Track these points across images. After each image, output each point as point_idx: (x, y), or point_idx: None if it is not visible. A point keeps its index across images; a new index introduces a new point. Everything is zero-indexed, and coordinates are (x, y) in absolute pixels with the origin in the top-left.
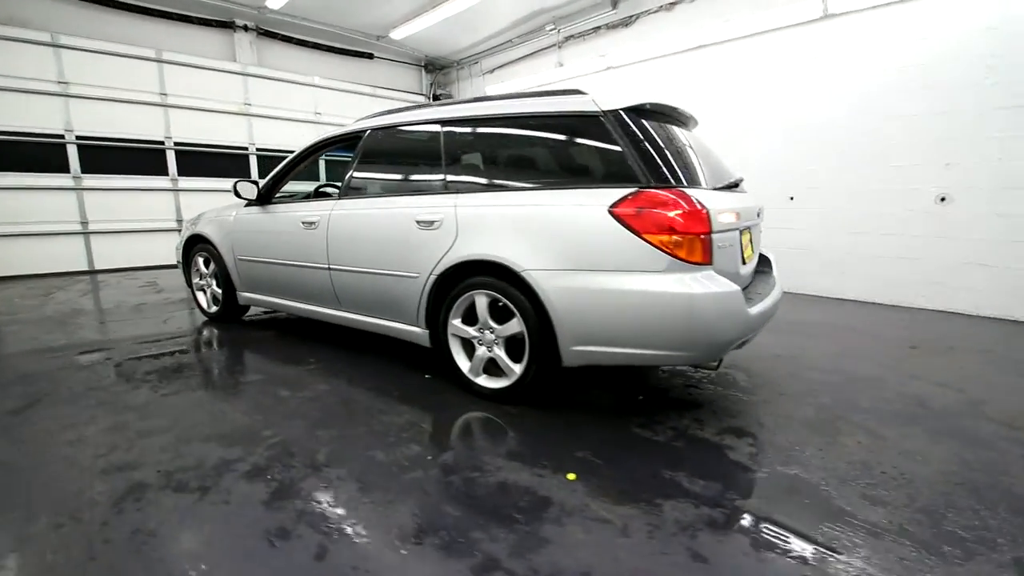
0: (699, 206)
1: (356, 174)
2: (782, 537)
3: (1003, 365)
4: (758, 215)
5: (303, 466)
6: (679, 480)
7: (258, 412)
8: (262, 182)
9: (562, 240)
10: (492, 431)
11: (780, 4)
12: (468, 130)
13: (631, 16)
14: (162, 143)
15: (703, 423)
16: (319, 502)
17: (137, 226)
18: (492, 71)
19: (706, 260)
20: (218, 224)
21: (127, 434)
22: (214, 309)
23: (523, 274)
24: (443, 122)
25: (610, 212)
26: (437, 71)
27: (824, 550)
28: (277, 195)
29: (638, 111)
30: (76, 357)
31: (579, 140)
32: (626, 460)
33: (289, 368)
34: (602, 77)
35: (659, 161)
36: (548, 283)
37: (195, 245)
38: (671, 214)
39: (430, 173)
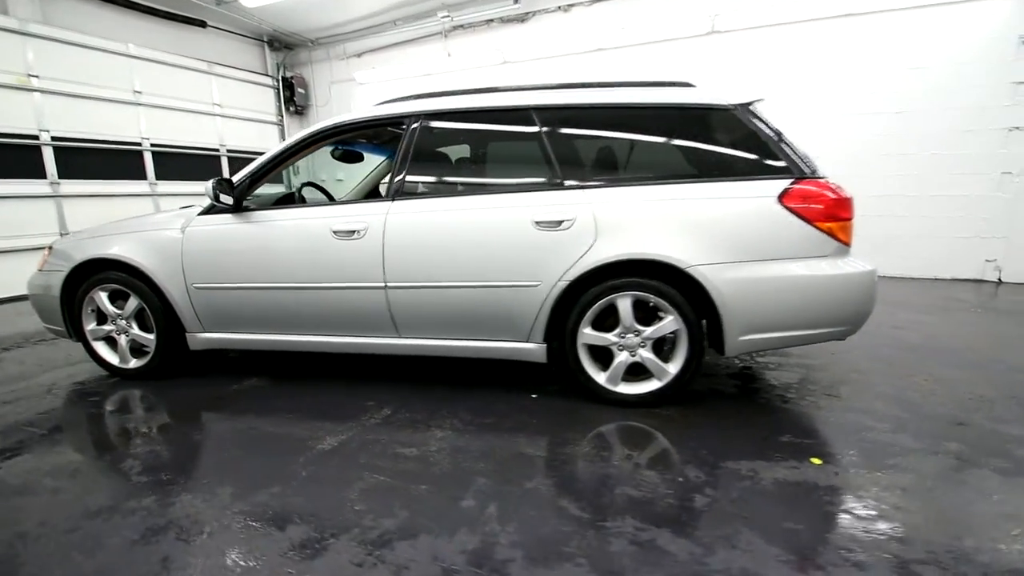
0: (847, 193)
1: (413, 170)
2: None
3: None
4: None
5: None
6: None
7: (376, 496)
8: (235, 178)
9: (729, 232)
10: (682, 438)
11: (673, 18)
12: (578, 119)
13: (528, 13)
14: None
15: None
16: None
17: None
18: (360, 55)
19: (850, 243)
20: (151, 244)
21: None
22: (135, 363)
23: (689, 270)
24: (537, 109)
25: (780, 202)
26: (285, 49)
27: None
28: (247, 200)
29: (753, 105)
30: None
31: (716, 132)
32: (774, 427)
33: (356, 424)
34: (498, 72)
35: (799, 152)
36: (718, 277)
37: (87, 278)
38: (832, 202)
39: (534, 167)
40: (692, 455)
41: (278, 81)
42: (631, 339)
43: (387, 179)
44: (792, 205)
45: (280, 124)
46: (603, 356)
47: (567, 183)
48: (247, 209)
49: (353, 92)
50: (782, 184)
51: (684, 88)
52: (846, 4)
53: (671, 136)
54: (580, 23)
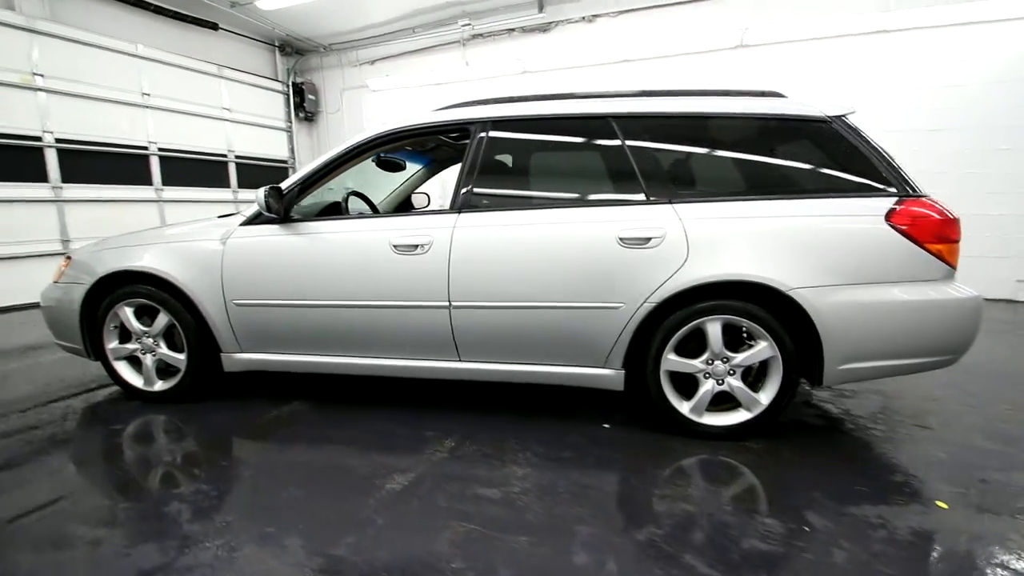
0: (954, 213)
1: (481, 180)
2: None
3: None
4: None
5: None
6: None
7: (471, 549)
8: (283, 186)
9: (832, 253)
10: (787, 478)
11: (701, 30)
12: (663, 129)
13: (551, 22)
14: None
15: None
16: None
17: None
18: (373, 62)
19: (956, 266)
20: (187, 256)
21: None
22: (161, 385)
23: (791, 293)
24: (617, 118)
25: (888, 221)
26: (296, 55)
27: None
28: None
29: (846, 117)
30: None
31: (813, 146)
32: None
33: (421, 458)
34: (517, 81)
35: (901, 169)
36: (821, 300)
37: (111, 291)
38: (942, 222)
39: (615, 179)
40: (806, 498)
41: (288, 87)
42: (719, 366)
43: (416, 190)
44: (900, 225)
45: (289, 131)
46: (683, 384)
47: (652, 197)
48: (295, 220)
49: (365, 99)
50: (888, 202)
51: (775, 98)
52: (880, 21)
53: (765, 149)
54: (605, 34)
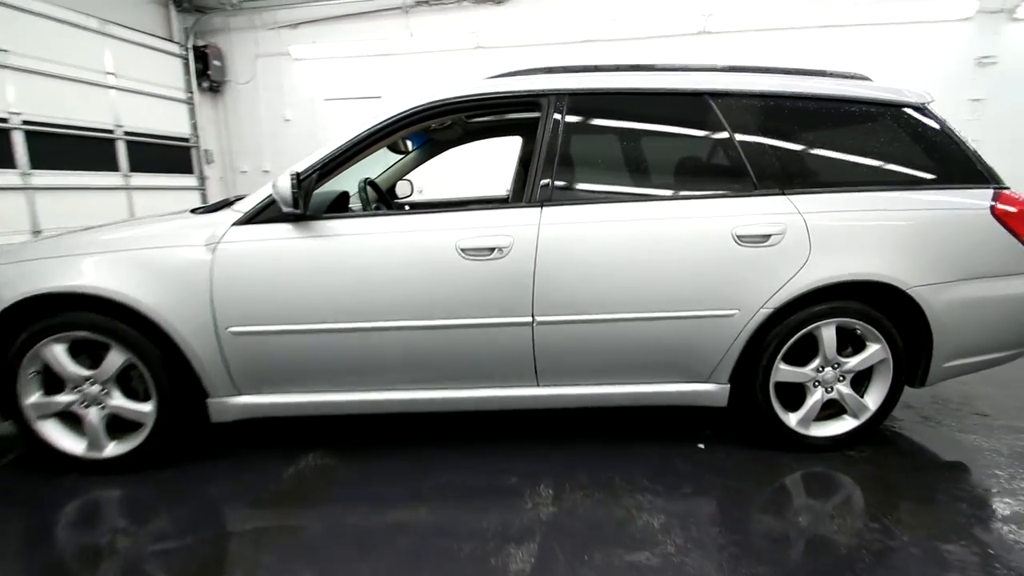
0: None
1: (564, 167)
2: None
3: None
4: None
5: None
6: None
7: None
8: (297, 170)
9: (944, 248)
10: (925, 495)
11: (665, 14)
12: (771, 110)
13: None
14: None
15: None
16: None
17: None
18: (296, 26)
19: None
20: (154, 269)
21: None
22: (112, 449)
23: (910, 292)
24: (716, 95)
25: (992, 214)
26: (196, 12)
27: None
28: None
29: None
30: None
31: (912, 133)
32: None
33: (520, 513)
34: (470, 56)
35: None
36: (936, 298)
37: (28, 324)
38: None
39: (720, 166)
40: (961, 514)
41: (187, 50)
42: (828, 373)
43: (404, 176)
44: (1003, 217)
45: (190, 102)
46: (786, 394)
47: (762, 186)
48: (318, 218)
49: (288, 69)
50: (988, 194)
51: (865, 81)
52: (828, 16)
53: (870, 135)
54: (565, 12)
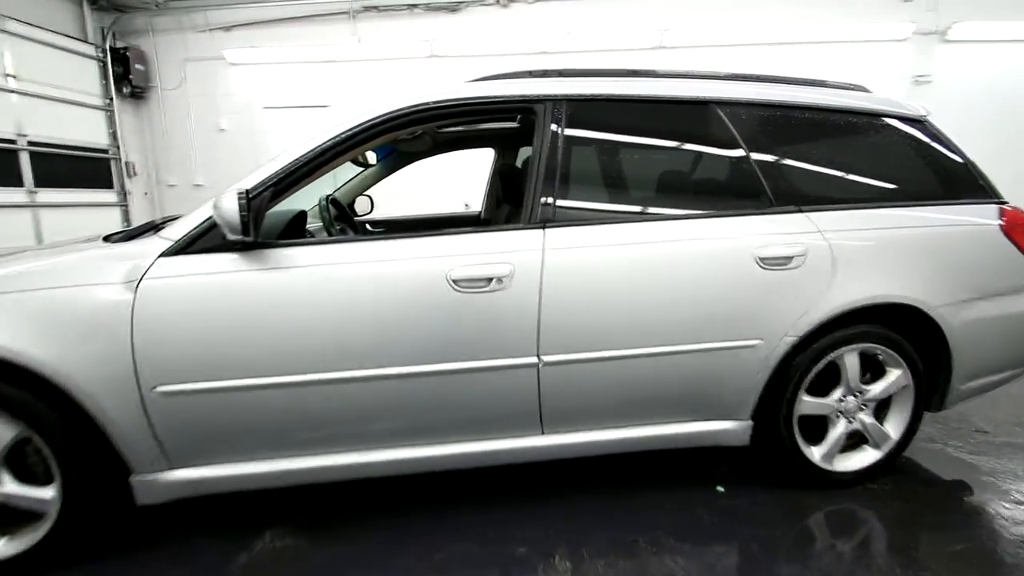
0: None
1: (568, 182)
2: None
3: None
4: None
5: None
6: None
7: None
8: (245, 187)
9: (958, 265)
10: (976, 532)
11: (622, 28)
12: (781, 121)
13: (460, 2)
14: None
15: None
16: None
17: None
18: (230, 29)
19: None
20: (48, 312)
21: None
22: (2, 549)
23: (932, 313)
24: (722, 103)
25: (1002, 231)
26: (114, 11)
27: None
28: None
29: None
30: None
31: (914, 146)
32: None
33: None
34: (424, 65)
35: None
36: (955, 318)
37: None
38: None
39: (732, 179)
40: (1008, 560)
41: (105, 52)
42: (850, 402)
43: (363, 192)
44: (1011, 232)
45: (108, 109)
46: (806, 428)
47: (778, 203)
48: (272, 245)
49: (223, 74)
50: (993, 210)
51: (864, 92)
52: (777, 34)
53: (878, 149)
54: (521, 21)
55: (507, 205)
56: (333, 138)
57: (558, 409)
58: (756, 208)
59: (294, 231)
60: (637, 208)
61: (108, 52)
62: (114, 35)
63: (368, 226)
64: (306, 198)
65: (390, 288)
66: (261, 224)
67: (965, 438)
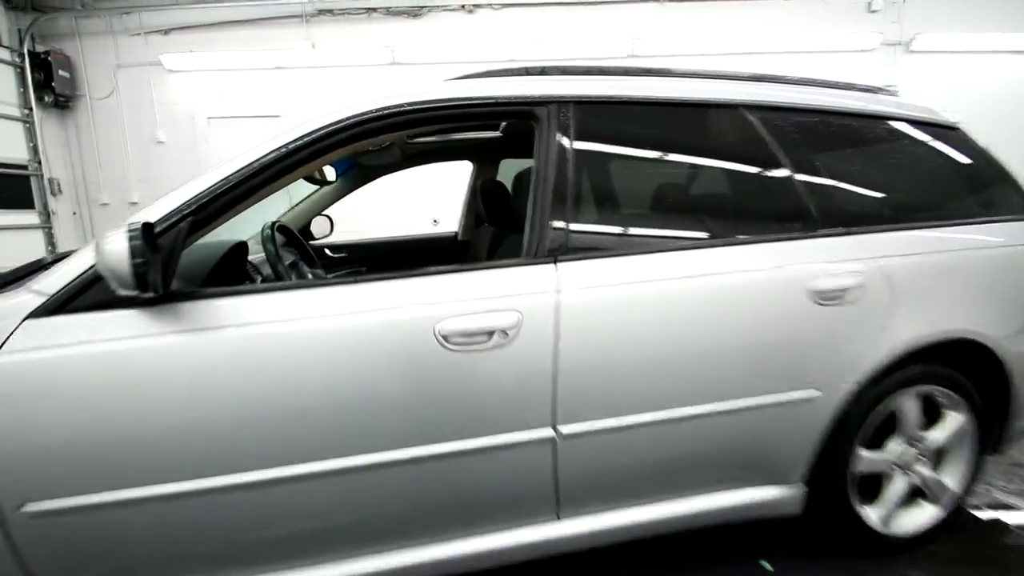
0: None
1: (580, 205)
2: None
3: None
4: None
5: None
6: None
7: None
8: (150, 218)
9: (1012, 291)
10: None
11: (593, 36)
12: (822, 130)
13: (422, 7)
14: None
15: None
16: None
17: None
18: (167, 32)
19: None
20: None
21: None
22: None
23: (993, 345)
24: (752, 108)
25: None
26: (32, 12)
27: None
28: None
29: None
30: None
31: (958, 158)
32: None
33: None
34: (384, 72)
35: None
36: (1014, 350)
37: None
38: None
39: (770, 198)
40: None
41: (23, 57)
42: (907, 453)
43: (321, 212)
44: None
45: (27, 120)
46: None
47: (824, 226)
48: (190, 296)
49: (160, 82)
50: None
51: (909, 102)
52: (750, 43)
53: (920, 160)
54: (487, 28)
55: (490, 227)
56: (279, 149)
57: (578, 488)
58: (801, 231)
59: (230, 270)
60: (667, 233)
61: (26, 56)
62: (33, 38)
63: (328, 251)
64: (250, 225)
65: (359, 350)
66: (174, 266)
67: (1010, 479)
